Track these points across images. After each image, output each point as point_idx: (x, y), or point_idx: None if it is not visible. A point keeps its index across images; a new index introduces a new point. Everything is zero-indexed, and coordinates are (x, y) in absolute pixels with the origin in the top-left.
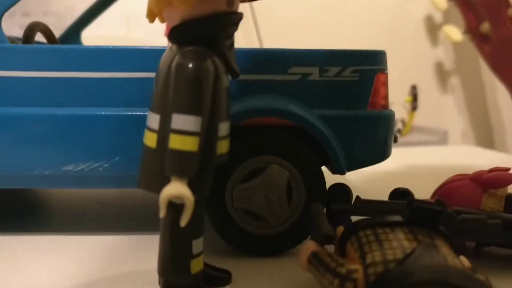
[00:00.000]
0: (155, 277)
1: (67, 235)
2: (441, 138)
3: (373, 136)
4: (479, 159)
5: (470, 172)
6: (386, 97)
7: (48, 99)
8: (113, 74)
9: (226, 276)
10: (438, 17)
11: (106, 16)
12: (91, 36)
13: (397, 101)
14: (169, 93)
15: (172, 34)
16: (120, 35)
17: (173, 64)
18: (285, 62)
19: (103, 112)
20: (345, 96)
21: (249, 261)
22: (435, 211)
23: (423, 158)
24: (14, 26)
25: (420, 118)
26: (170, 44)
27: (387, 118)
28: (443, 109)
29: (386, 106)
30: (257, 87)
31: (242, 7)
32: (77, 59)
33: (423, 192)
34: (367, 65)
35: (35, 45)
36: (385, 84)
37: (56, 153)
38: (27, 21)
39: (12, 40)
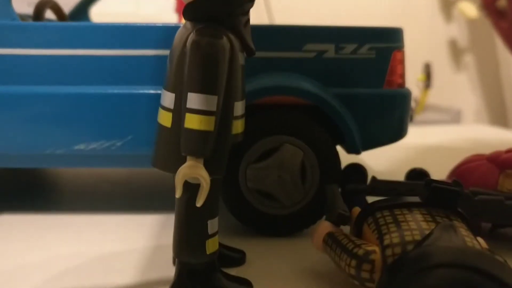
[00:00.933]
0: (169, 256)
1: (78, 214)
2: (454, 117)
3: (390, 115)
4: (492, 138)
5: (485, 152)
6: (402, 76)
7: (60, 77)
8: (126, 51)
9: (241, 256)
10: None
11: None
12: (100, 13)
13: (409, 78)
14: (184, 71)
15: (187, 11)
16: (129, 11)
17: (188, 41)
18: (300, 39)
19: (115, 90)
20: (361, 74)
21: (263, 241)
22: (453, 192)
23: (436, 137)
24: (22, 3)
25: (433, 96)
26: (184, 21)
27: (404, 97)
28: (456, 87)
29: (402, 84)
30: (271, 65)
31: None
32: (88, 37)
33: (438, 172)
34: (384, 43)
35: (46, 22)
36: (402, 62)
37: (68, 132)
38: None
39: (23, 17)
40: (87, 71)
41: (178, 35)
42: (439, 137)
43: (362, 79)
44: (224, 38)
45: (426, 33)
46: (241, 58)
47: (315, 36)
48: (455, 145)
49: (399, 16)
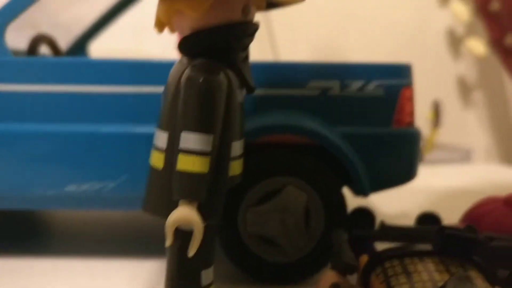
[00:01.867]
0: None
1: (70, 259)
2: (465, 156)
3: (399, 156)
4: (504, 178)
5: (499, 193)
6: (412, 114)
7: (50, 114)
8: (119, 88)
9: None
10: (460, 29)
11: (116, 28)
12: (100, 49)
13: (417, 116)
14: (178, 109)
15: (182, 45)
16: (130, 47)
17: (183, 77)
18: (303, 75)
19: (108, 129)
20: (368, 113)
21: None
22: (468, 239)
23: (447, 178)
24: (23, 39)
25: (442, 135)
26: (180, 56)
27: (413, 136)
28: (465, 125)
29: (412, 123)
30: (273, 103)
31: (257, 17)
32: (81, 72)
33: (449, 215)
34: (392, 79)
35: (37, 57)
36: (411, 99)
37: (58, 172)
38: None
39: (17, 53)
40: (79, 108)
41: (173, 70)
42: (450, 177)
43: (369, 117)
44: (221, 74)
45: (434, 70)
46: (239, 95)
47: (319, 72)
48: (466, 186)
49: (407, 53)
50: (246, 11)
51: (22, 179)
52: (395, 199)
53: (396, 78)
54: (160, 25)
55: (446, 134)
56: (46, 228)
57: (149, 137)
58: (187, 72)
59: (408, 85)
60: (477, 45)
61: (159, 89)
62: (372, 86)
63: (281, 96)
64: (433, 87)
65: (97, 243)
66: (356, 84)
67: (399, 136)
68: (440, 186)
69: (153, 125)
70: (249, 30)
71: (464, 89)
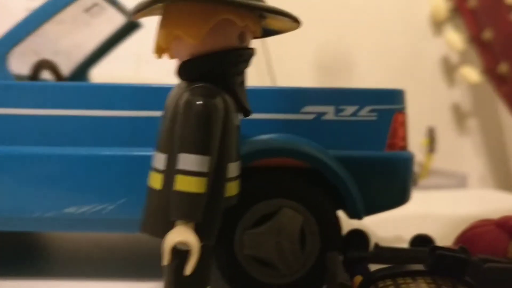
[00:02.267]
0: None
1: (68, 281)
2: (460, 182)
3: (392, 179)
4: (500, 203)
5: (493, 217)
6: (404, 138)
7: (51, 137)
8: (120, 112)
9: None
10: (454, 58)
11: (117, 55)
12: (101, 75)
13: (412, 143)
14: (176, 131)
15: (180, 70)
16: (130, 74)
17: (181, 101)
18: (298, 100)
19: (108, 152)
20: (361, 137)
21: None
22: (460, 260)
23: (442, 203)
24: (26, 65)
25: (437, 161)
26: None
27: (406, 160)
28: (460, 151)
29: (405, 147)
30: (269, 127)
31: (254, 43)
32: (82, 97)
33: (444, 238)
34: (385, 104)
35: (38, 82)
36: (404, 124)
37: (58, 194)
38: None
39: (20, 78)
40: (79, 132)
41: (171, 94)
42: (445, 202)
43: (363, 141)
44: (218, 98)
45: (429, 98)
46: (236, 118)
47: (314, 98)
48: (461, 211)
49: (402, 81)
50: (242, 38)
51: (22, 201)
52: (391, 225)
53: (389, 103)
54: (159, 50)
55: (441, 160)
56: (45, 250)
57: (149, 160)
58: (185, 95)
59: (401, 110)
60: (471, 73)
61: (159, 113)
62: (365, 111)
63: (277, 120)
64: (428, 113)
65: (95, 265)
66: (350, 109)
67: (392, 160)
68: (436, 211)
69: (152, 148)
70: (245, 55)
71: (459, 115)
